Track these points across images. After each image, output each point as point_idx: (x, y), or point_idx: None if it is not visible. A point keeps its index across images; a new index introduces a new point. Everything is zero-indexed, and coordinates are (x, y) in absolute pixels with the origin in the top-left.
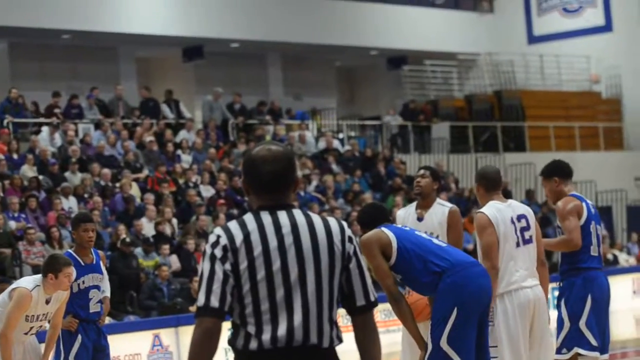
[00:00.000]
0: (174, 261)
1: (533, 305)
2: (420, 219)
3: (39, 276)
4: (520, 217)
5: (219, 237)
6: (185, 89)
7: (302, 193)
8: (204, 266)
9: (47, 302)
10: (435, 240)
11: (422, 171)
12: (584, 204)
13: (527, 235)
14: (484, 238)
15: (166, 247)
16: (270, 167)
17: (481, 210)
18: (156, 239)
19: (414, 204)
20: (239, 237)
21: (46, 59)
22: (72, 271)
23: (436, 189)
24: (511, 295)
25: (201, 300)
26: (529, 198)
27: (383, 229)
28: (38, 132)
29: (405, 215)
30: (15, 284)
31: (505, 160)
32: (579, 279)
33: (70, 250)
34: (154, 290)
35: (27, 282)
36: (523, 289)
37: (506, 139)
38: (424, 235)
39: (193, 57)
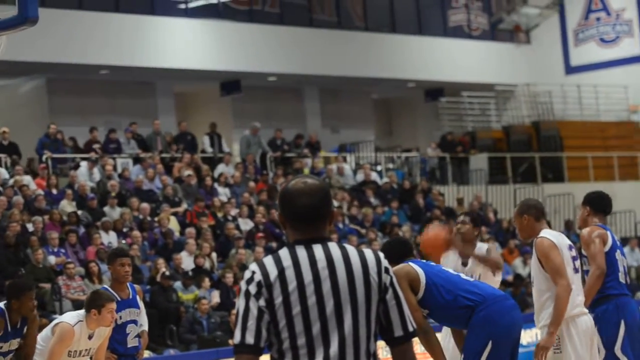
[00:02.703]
0: (214, 295)
1: (591, 332)
2: (464, 264)
3: (82, 312)
4: (570, 247)
5: (253, 273)
6: (223, 123)
7: (340, 225)
8: (239, 303)
9: (90, 337)
10: (462, 275)
11: (462, 217)
12: (608, 232)
13: (577, 264)
14: (553, 259)
15: (205, 281)
16: (306, 200)
17: (541, 235)
18: (195, 272)
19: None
20: (273, 273)
21: (84, 94)
22: (115, 307)
23: (477, 235)
24: (574, 321)
25: (237, 337)
26: (568, 228)
27: (411, 263)
28: (77, 167)
29: (450, 259)
30: (59, 319)
31: (543, 191)
32: (610, 305)
33: (106, 286)
34: (194, 323)
35: (70, 317)
36: (584, 314)
37: (544, 170)
38: (451, 271)
39: (231, 91)
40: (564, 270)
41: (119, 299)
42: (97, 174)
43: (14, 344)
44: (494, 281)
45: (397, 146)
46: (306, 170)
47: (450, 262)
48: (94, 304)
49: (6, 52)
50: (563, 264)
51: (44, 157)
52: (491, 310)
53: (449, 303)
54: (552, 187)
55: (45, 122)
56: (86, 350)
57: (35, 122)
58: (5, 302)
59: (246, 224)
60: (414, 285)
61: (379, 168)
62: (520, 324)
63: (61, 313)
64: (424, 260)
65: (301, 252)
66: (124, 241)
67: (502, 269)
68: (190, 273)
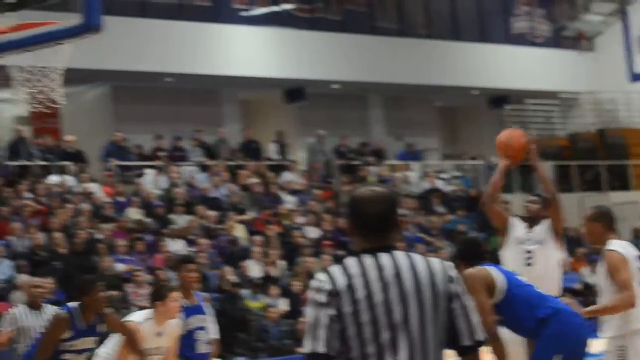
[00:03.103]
0: (281, 303)
1: None
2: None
3: (149, 310)
4: (638, 257)
5: (322, 282)
6: (287, 130)
7: (407, 233)
8: (308, 312)
9: (159, 335)
10: (535, 287)
11: (534, 197)
12: None
13: None
14: (623, 274)
15: (274, 289)
16: (374, 208)
17: (612, 248)
18: (263, 280)
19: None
20: (342, 282)
21: (149, 102)
22: (179, 296)
23: (544, 216)
24: None
25: (308, 346)
26: (637, 236)
27: (490, 268)
28: (142, 174)
29: (518, 224)
30: (126, 319)
31: (609, 199)
32: None
33: None
34: (262, 331)
35: (138, 316)
36: None
37: (610, 178)
38: (523, 279)
39: (295, 99)
40: (631, 285)
41: (186, 305)
42: (163, 181)
43: (88, 342)
44: (555, 251)
45: (463, 154)
46: (371, 178)
47: (517, 228)
48: (157, 296)
49: (71, 60)
50: (630, 279)
51: (110, 165)
52: (563, 324)
53: (524, 314)
54: (618, 195)
55: (111, 129)
56: (155, 348)
57: (101, 130)
58: (78, 302)
59: (313, 232)
60: (489, 290)
61: (444, 176)
62: (587, 342)
63: None
64: (505, 268)
65: (368, 260)
66: (191, 249)
67: (561, 211)
68: (258, 281)
